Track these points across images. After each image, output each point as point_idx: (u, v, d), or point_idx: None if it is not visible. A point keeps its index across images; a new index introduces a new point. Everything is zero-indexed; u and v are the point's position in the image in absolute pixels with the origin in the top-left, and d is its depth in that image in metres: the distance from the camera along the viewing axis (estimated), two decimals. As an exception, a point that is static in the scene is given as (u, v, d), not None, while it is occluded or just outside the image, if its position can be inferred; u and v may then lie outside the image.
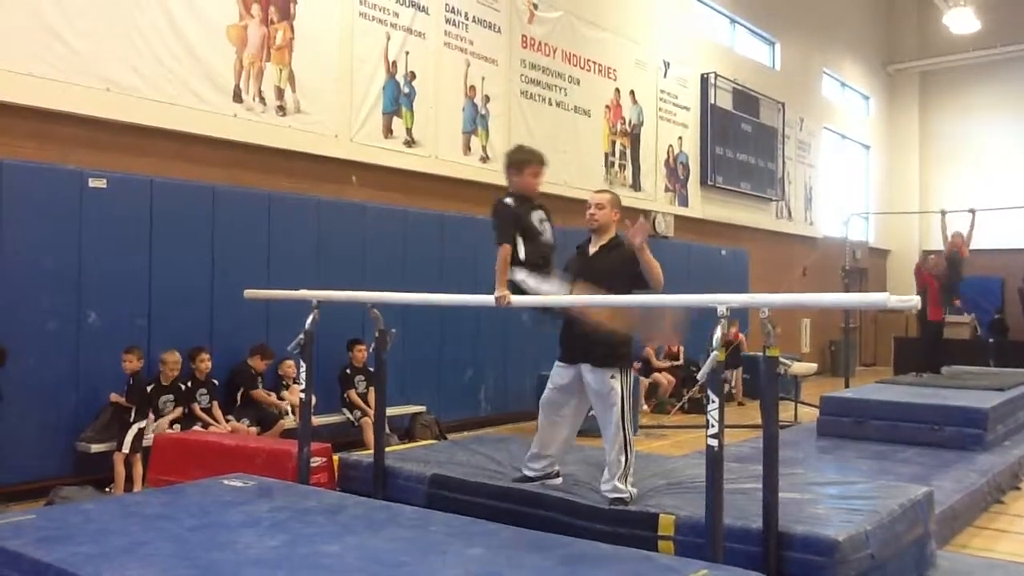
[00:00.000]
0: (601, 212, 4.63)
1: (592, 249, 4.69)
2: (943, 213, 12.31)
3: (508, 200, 4.35)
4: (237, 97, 8.13)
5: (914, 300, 3.29)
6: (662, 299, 4.16)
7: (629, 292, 4.40)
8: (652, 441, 9.21)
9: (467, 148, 10.59)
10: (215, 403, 7.37)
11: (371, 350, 5.18)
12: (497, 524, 3.63)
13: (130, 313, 7.17)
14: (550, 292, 4.18)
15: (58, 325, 6.77)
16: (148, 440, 6.63)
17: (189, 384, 7.27)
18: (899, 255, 21.86)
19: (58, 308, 6.77)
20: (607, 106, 12.95)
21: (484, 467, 5.02)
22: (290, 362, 7.75)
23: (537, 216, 4.54)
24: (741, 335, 11.56)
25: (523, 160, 4.12)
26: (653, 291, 4.37)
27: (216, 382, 7.48)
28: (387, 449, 5.23)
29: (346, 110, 9.13)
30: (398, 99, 9.69)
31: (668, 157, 14.28)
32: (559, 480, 4.69)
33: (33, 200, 6.66)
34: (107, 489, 6.55)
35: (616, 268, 4.48)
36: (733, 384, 12.23)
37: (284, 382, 7.95)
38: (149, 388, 6.93)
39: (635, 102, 13.51)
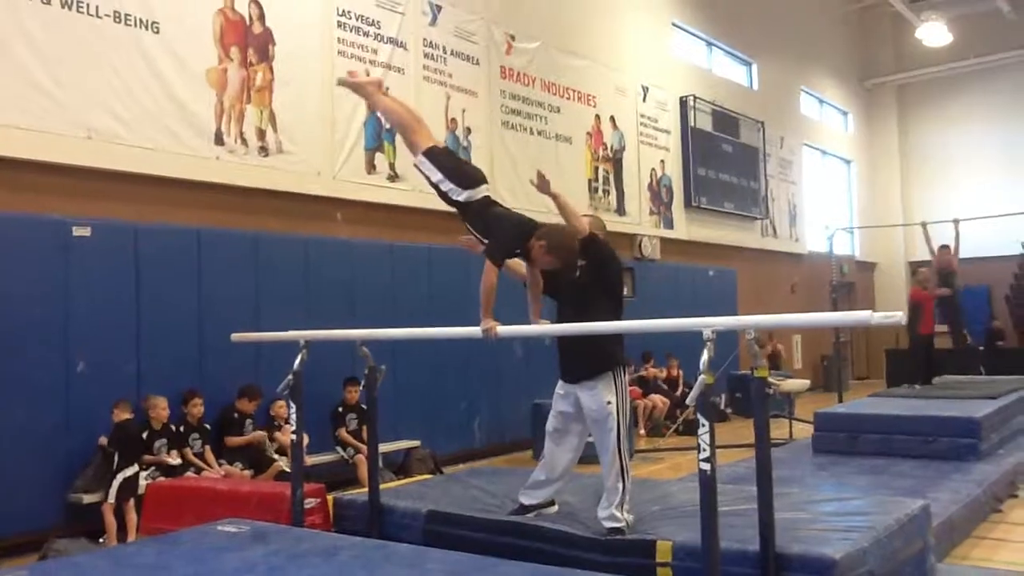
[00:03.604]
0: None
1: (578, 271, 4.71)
2: (924, 225, 12.44)
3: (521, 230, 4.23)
4: (219, 140, 8.16)
5: (897, 316, 3.30)
6: (654, 324, 4.18)
7: (615, 295, 4.58)
8: (648, 465, 9.18)
9: (451, 180, 10.61)
10: (207, 447, 7.33)
11: (362, 387, 5.16)
12: (495, 559, 3.61)
13: (119, 360, 7.14)
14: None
15: (47, 375, 6.73)
16: (142, 488, 6.58)
17: (182, 428, 7.23)
18: (886, 267, 22.01)
19: (46, 358, 6.73)
20: (588, 132, 13.05)
21: (480, 501, 4.99)
22: (281, 403, 7.71)
23: None
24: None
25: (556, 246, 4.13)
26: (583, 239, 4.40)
27: (208, 427, 7.45)
28: (382, 486, 5.20)
29: (328, 148, 9.17)
30: (380, 134, 9.74)
31: (651, 180, 14.37)
32: (555, 508, 4.68)
33: (17, 251, 6.65)
34: (100, 540, 6.48)
35: (598, 281, 4.56)
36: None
37: (276, 423, 7.90)
38: (144, 434, 6.89)
39: (616, 127, 13.61)
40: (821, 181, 20.34)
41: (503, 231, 4.24)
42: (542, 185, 4.49)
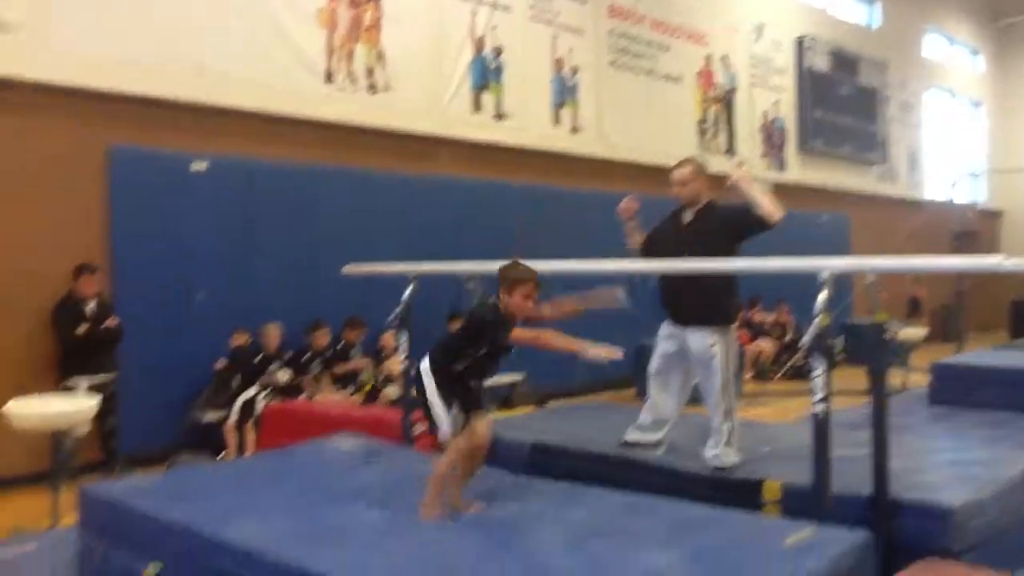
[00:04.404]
0: (686, 188, 4.55)
1: (687, 217, 4.62)
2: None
3: (489, 310, 3.47)
4: (329, 78, 8.28)
5: (1031, 262, 3.11)
6: (768, 264, 4.05)
7: (733, 249, 4.42)
8: (754, 409, 9.05)
9: (556, 120, 10.54)
10: (326, 373, 7.60)
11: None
12: (600, 489, 3.63)
13: (235, 290, 7.43)
14: (444, 423, 3.32)
15: (170, 303, 7.06)
16: (260, 409, 6.90)
17: (304, 356, 7.56)
18: (1014, 216, 20.81)
19: (168, 287, 7.06)
20: (698, 72, 12.69)
21: (584, 434, 5.01)
22: (389, 334, 7.90)
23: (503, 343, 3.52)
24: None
25: (516, 279, 3.44)
26: (768, 225, 4.33)
27: (329, 353, 7.73)
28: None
29: (435, 86, 9.19)
30: (486, 74, 9.71)
31: (764, 122, 13.93)
32: (661, 449, 4.66)
33: (140, 184, 6.94)
34: (219, 457, 6.82)
35: (715, 229, 4.45)
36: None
37: (383, 354, 8.11)
38: (258, 359, 7.18)
39: (727, 67, 13.20)
40: (945, 124, 19.29)
41: (488, 323, 3.41)
42: (738, 174, 4.44)
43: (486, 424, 3.44)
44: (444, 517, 3.23)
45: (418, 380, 3.40)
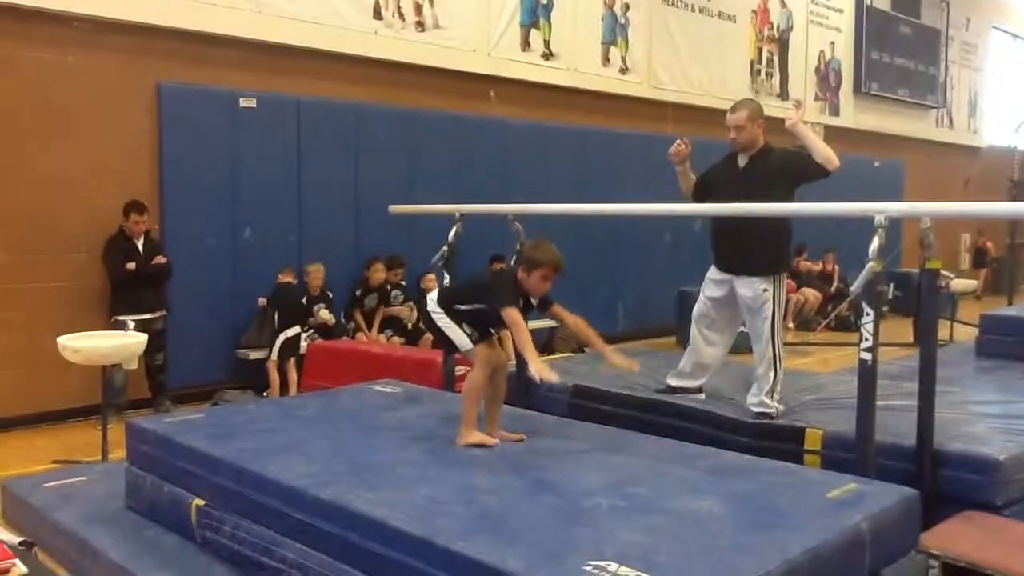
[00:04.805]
0: (742, 133, 4.44)
1: (742, 161, 4.51)
2: None
3: (510, 278, 3.53)
4: (377, 14, 8.19)
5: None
6: (823, 208, 3.96)
7: (790, 196, 4.32)
8: (797, 358, 8.98)
9: (606, 59, 10.35)
10: (379, 308, 7.74)
11: (512, 262, 5.19)
12: (640, 434, 3.63)
13: (281, 228, 7.49)
14: (462, 338, 3.41)
15: (216, 240, 7.14)
16: (304, 348, 7.00)
17: (360, 291, 7.70)
18: (1075, 165, 20.13)
19: (216, 224, 7.14)
20: (754, 11, 12.35)
21: (625, 379, 5.00)
22: (431, 276, 7.92)
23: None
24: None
25: (537, 261, 3.43)
26: (826, 172, 4.26)
27: (388, 289, 7.88)
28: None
29: (484, 24, 9.06)
30: (536, 10, 9.54)
31: (819, 64, 13.55)
32: (702, 396, 4.64)
33: (189, 120, 6.98)
34: (264, 394, 6.96)
35: (771, 174, 4.35)
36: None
37: (427, 295, 8.14)
38: (304, 299, 7.26)
39: (784, 5, 12.82)
40: (1009, 68, 18.60)
41: (498, 286, 3.48)
42: (796, 116, 4.37)
43: (497, 349, 3.53)
44: (480, 443, 3.30)
45: (426, 316, 3.57)
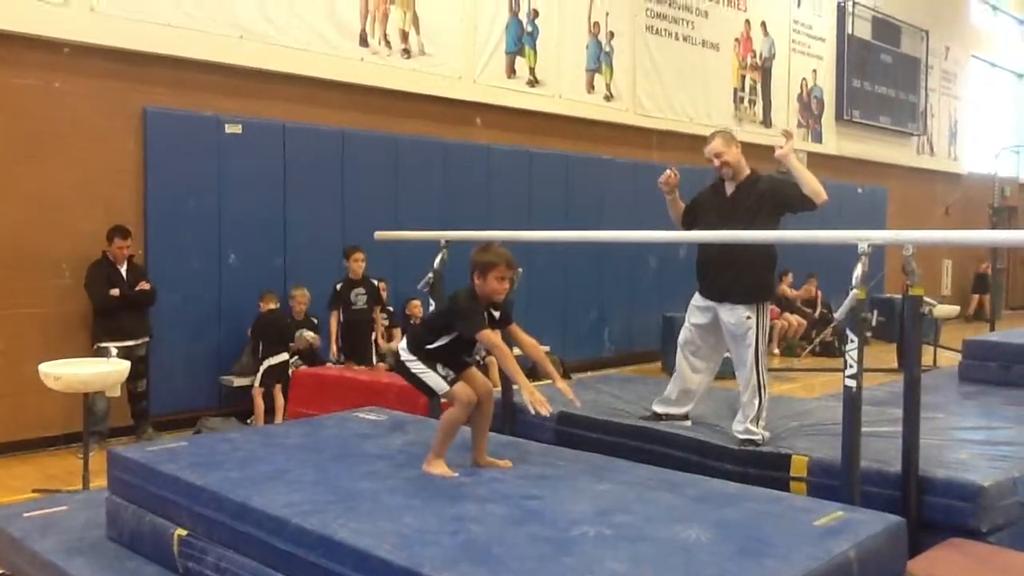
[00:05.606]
0: (724, 158, 4.46)
1: (729, 189, 4.54)
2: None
3: (468, 294, 3.47)
4: (363, 41, 8.24)
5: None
6: (807, 235, 3.99)
7: (775, 224, 4.36)
8: (781, 384, 8.99)
9: (591, 87, 10.43)
10: (376, 310, 7.54)
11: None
12: (626, 461, 3.62)
13: (267, 253, 7.47)
14: (436, 381, 3.33)
15: (202, 265, 7.12)
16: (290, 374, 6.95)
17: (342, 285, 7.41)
18: (1054, 191, 20.38)
19: (200, 249, 7.12)
20: (736, 39, 12.49)
21: (611, 406, 5.01)
22: (416, 302, 7.92)
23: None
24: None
25: (488, 263, 3.41)
26: (813, 205, 4.29)
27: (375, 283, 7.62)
28: (514, 387, 5.28)
29: (469, 51, 9.12)
30: (521, 38, 9.61)
31: (802, 91, 13.70)
32: (688, 422, 4.64)
33: (175, 145, 6.98)
34: (248, 421, 6.90)
35: (758, 202, 4.38)
36: None
37: (412, 321, 8.13)
38: (285, 324, 7.22)
39: (767, 34, 12.98)
40: (988, 96, 18.86)
41: (463, 310, 3.39)
42: (787, 147, 4.37)
43: (480, 378, 3.45)
44: (446, 475, 3.26)
45: (399, 365, 3.43)
